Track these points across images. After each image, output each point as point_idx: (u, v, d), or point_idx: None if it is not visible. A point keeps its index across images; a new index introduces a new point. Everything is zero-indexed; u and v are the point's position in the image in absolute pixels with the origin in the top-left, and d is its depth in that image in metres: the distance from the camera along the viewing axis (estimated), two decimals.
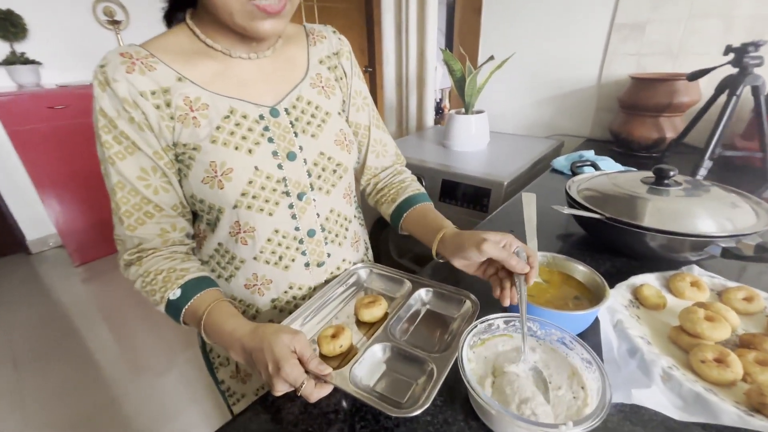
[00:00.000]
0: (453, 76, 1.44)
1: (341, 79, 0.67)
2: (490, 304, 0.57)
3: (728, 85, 1.00)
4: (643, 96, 1.25)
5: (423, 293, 0.63)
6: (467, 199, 1.26)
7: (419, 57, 1.85)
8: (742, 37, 1.12)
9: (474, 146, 1.49)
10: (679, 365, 0.47)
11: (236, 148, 0.54)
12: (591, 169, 0.94)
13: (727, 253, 0.58)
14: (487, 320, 0.48)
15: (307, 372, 0.43)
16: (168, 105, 0.51)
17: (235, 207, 0.55)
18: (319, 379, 0.44)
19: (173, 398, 1.62)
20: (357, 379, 0.47)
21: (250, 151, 0.55)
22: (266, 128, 0.56)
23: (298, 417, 0.46)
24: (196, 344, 1.86)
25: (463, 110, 1.52)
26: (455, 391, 0.47)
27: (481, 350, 0.47)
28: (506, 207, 1.00)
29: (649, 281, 0.61)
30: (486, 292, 0.59)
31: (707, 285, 0.60)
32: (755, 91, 0.99)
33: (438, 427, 0.43)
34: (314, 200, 0.62)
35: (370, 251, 0.83)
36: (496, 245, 0.51)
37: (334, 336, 0.52)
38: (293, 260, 0.63)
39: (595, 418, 0.35)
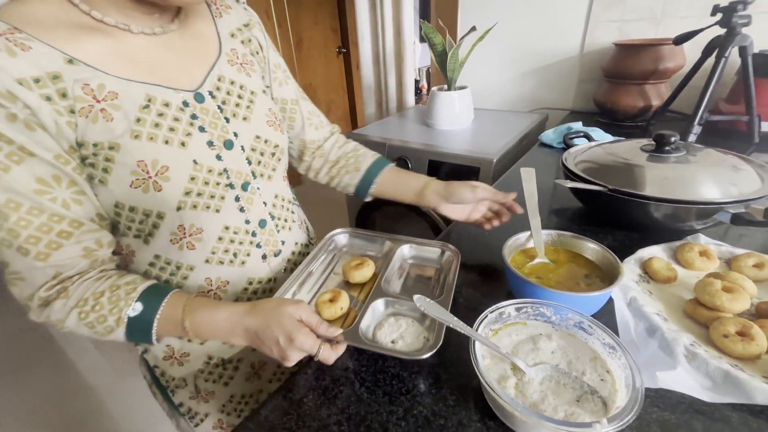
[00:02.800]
0: (434, 51, 1.37)
1: (257, 53, 0.61)
2: (468, 252, 0.66)
3: (717, 47, 0.98)
4: (628, 63, 1.22)
5: (405, 249, 0.67)
6: (456, 178, 1.19)
7: (396, 32, 1.76)
8: None
9: (459, 124, 1.44)
10: (700, 341, 0.44)
11: (166, 142, 0.46)
12: (583, 140, 0.90)
13: (737, 219, 0.55)
14: (498, 308, 0.44)
15: (317, 337, 0.43)
16: (63, 96, 0.40)
17: (179, 209, 0.48)
18: (330, 341, 0.45)
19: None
20: (365, 335, 0.49)
21: (183, 143, 0.47)
22: (194, 116, 0.49)
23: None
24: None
25: (445, 87, 1.45)
26: (466, 388, 0.43)
27: (494, 342, 0.43)
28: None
29: (657, 253, 0.59)
30: (460, 241, 0.65)
31: (715, 254, 0.57)
32: (743, 52, 0.96)
33: (453, 431, 0.39)
34: (258, 189, 0.57)
35: (311, 229, 0.80)
36: (486, 188, 0.63)
37: (332, 300, 0.54)
38: (248, 255, 0.58)
39: (630, 412, 0.32)
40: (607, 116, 1.34)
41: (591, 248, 0.55)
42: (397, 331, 0.49)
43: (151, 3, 0.43)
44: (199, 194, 0.49)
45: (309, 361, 0.48)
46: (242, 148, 0.54)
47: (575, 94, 1.53)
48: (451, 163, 1.21)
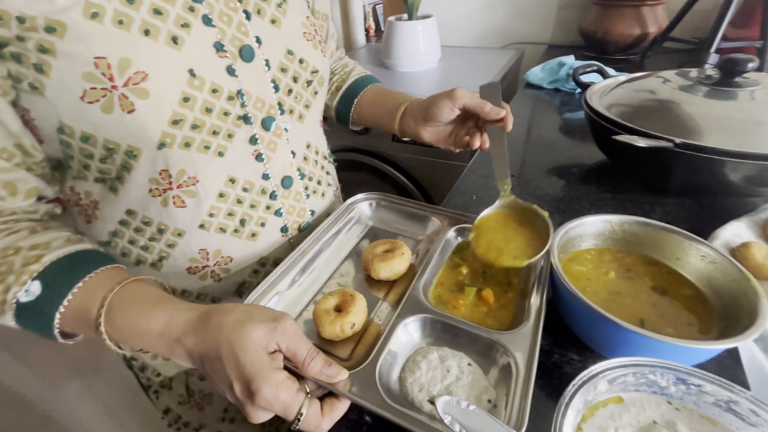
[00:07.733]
0: None
1: None
2: None
3: None
4: None
5: (455, 233, 0.44)
6: None
7: None
8: None
9: (423, 64, 1.18)
10: None
11: (146, 32, 0.29)
12: (597, 75, 0.70)
13: None
14: (589, 377, 0.24)
15: (300, 377, 0.27)
16: None
17: (162, 146, 0.32)
18: (323, 388, 0.28)
19: (112, 399, 1.30)
20: (387, 382, 0.30)
21: (174, 39, 0.31)
22: None
23: None
24: None
25: (405, 16, 1.17)
26: None
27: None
28: None
29: (745, 234, 0.42)
30: None
31: None
32: None
33: None
34: (286, 131, 0.41)
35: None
36: (468, 93, 0.43)
37: (339, 309, 0.35)
38: (263, 225, 0.43)
39: None
40: (595, 49, 1.15)
41: (694, 249, 0.36)
42: (441, 382, 0.30)
43: None
44: (194, 126, 0.33)
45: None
46: (267, 63, 0.37)
47: (554, 25, 1.31)
48: None
